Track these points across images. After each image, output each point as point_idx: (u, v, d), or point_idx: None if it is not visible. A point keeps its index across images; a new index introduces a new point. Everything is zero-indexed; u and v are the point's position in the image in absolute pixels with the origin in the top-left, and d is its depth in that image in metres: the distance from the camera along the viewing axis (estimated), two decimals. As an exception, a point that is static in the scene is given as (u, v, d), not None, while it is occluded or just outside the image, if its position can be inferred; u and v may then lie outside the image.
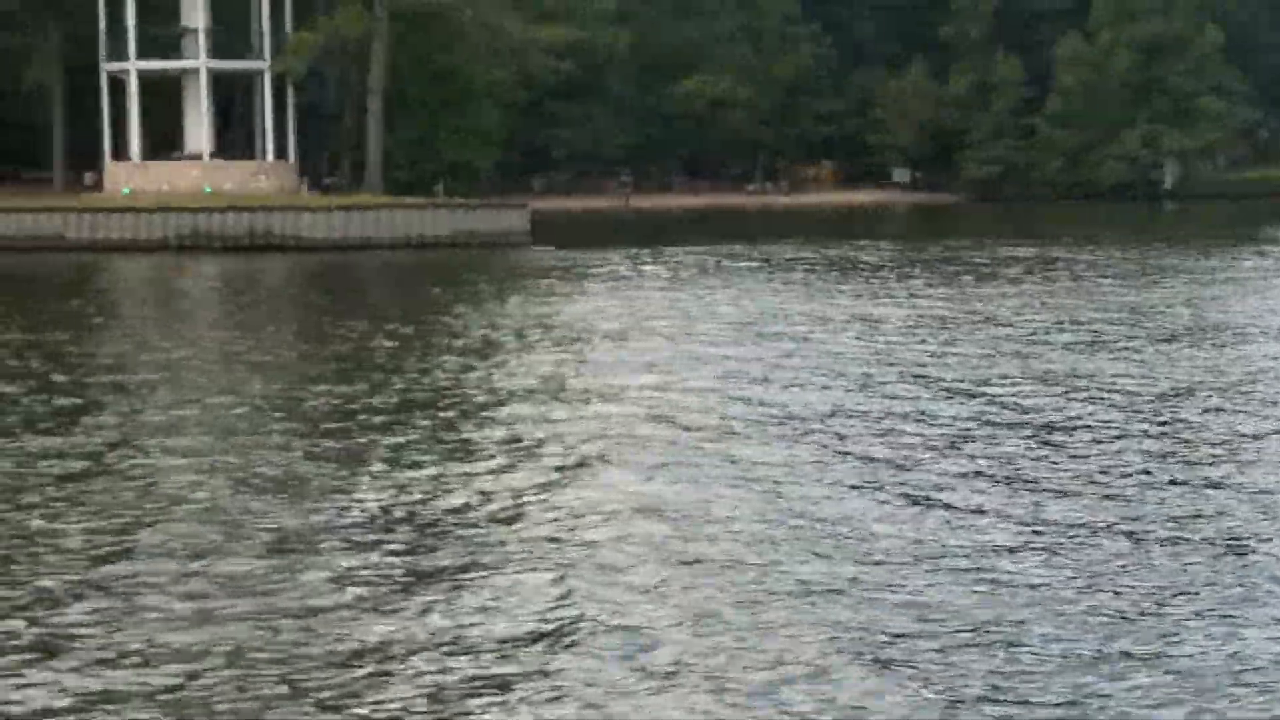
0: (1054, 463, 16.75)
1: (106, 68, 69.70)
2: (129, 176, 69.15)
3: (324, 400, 21.67)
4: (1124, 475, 16.03)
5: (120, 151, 70.14)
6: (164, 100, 70.87)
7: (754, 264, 50.77)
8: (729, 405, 20.59)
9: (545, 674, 10.02)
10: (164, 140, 70.92)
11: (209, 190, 67.02)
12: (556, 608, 11.39)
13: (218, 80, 69.75)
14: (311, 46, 66.32)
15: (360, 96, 70.24)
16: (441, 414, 20.39)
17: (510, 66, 73.20)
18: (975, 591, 11.80)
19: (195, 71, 68.69)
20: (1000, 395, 21.48)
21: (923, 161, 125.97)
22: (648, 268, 49.58)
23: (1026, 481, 15.78)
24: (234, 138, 72.08)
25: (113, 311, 39.61)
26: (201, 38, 67.99)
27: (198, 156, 68.95)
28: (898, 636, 10.73)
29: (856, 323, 31.36)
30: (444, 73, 70.65)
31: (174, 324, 35.26)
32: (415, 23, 69.22)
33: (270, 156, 70.12)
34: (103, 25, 69.28)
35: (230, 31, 69.52)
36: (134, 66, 68.61)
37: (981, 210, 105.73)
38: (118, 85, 70.02)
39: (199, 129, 69.04)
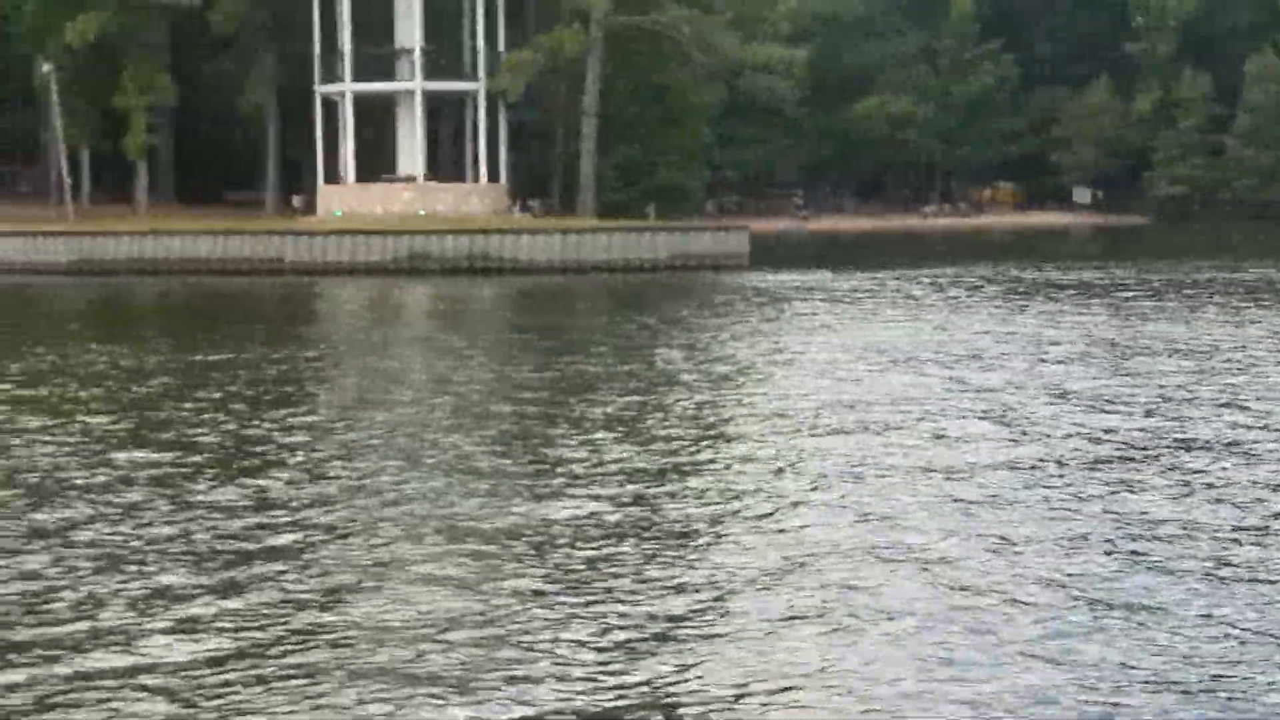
0: None
1: (320, 90, 69.77)
2: (341, 199, 69.14)
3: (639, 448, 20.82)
4: None
5: (332, 174, 70.17)
6: (374, 122, 70.96)
7: (973, 286, 49.57)
8: (1051, 440, 19.47)
9: None
10: (374, 162, 70.95)
11: (422, 213, 66.82)
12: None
13: (429, 101, 69.60)
14: (529, 66, 65.88)
15: (572, 117, 69.82)
16: (704, 440, 19.60)
17: (722, 86, 72.48)
18: None
19: (409, 93, 68.54)
20: None
21: (1105, 181, 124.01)
22: (872, 290, 48.57)
23: None
24: (444, 159, 71.87)
25: (352, 333, 39.09)
26: (417, 59, 67.80)
27: (411, 178, 68.77)
28: None
29: (1146, 352, 30.09)
30: (658, 93, 70.10)
31: (427, 347, 34.52)
32: (631, 42, 68.76)
33: (483, 178, 69.84)
34: (317, 48, 69.38)
35: (443, 52, 69.39)
36: (348, 88, 68.61)
37: (1172, 230, 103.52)
38: (330, 107, 70.09)
39: (412, 151, 68.89)
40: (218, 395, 24.78)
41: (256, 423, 21.81)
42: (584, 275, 60.11)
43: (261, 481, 17.26)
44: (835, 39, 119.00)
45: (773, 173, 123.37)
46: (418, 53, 67.85)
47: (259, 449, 19.65)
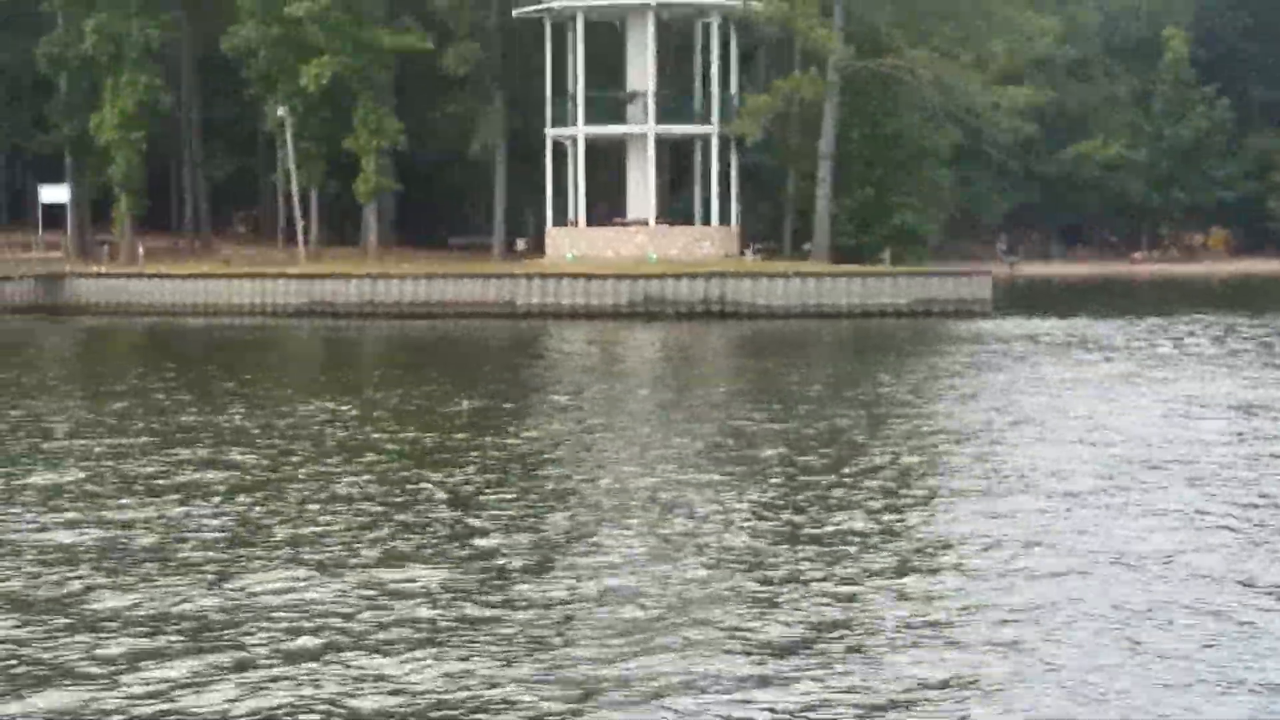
0: None
1: (551, 133, 69.15)
2: (572, 243, 68.41)
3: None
4: None
5: (560, 217, 69.50)
6: (603, 165, 70.30)
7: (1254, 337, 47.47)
8: None
9: None
10: (601, 205, 70.30)
11: (654, 257, 65.88)
12: None
13: (659, 144, 68.68)
14: (768, 110, 64.78)
15: (804, 160, 68.60)
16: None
17: (958, 128, 70.91)
18: None
19: (642, 136, 67.70)
20: None
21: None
22: (1144, 337, 46.72)
23: None
24: (673, 202, 70.90)
25: (589, 377, 38.00)
26: (650, 102, 66.96)
27: (643, 222, 67.86)
28: None
29: None
30: (893, 136, 68.71)
31: (674, 391, 33.27)
32: (866, 85, 67.50)
33: (714, 221, 68.78)
34: (549, 91, 68.82)
35: (673, 95, 68.54)
36: (580, 131, 67.92)
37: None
38: (558, 150, 69.47)
39: (644, 194, 67.99)
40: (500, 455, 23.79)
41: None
42: (822, 320, 58.79)
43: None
44: (1047, 82, 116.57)
45: (977, 216, 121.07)
46: (650, 96, 66.97)
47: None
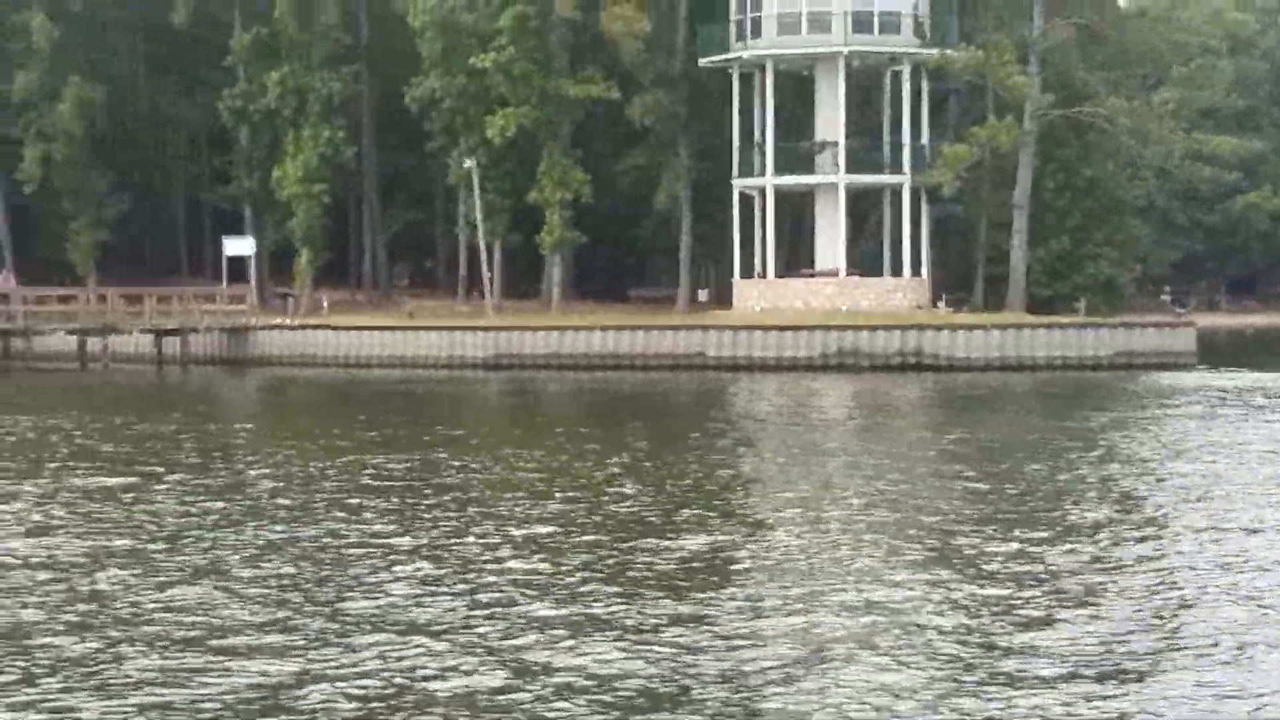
0: None
1: (738, 184, 68.37)
2: (760, 294, 67.52)
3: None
4: None
5: (746, 269, 68.65)
6: (787, 216, 69.50)
7: None
8: None
9: None
10: (787, 257, 69.47)
11: (845, 308, 64.82)
12: None
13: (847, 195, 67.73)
14: (964, 160, 63.61)
15: (996, 210, 67.36)
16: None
17: (1154, 177, 69.42)
18: None
19: (831, 186, 66.75)
20: None
21: None
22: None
23: None
24: (860, 253, 69.83)
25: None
26: (841, 152, 66.04)
27: (832, 273, 66.84)
28: None
29: None
30: (1089, 185, 67.31)
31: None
32: (1061, 133, 66.21)
33: (906, 272, 67.65)
34: (736, 141, 68.11)
35: (861, 145, 67.59)
36: (770, 182, 67.10)
37: None
38: (744, 201, 68.70)
39: (833, 245, 67.00)
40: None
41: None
42: (1020, 373, 57.46)
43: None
44: (1214, 131, 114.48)
45: (1141, 268, 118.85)
46: (841, 146, 66.03)
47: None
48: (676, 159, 70.40)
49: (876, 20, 66.39)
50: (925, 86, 67.87)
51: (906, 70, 67.28)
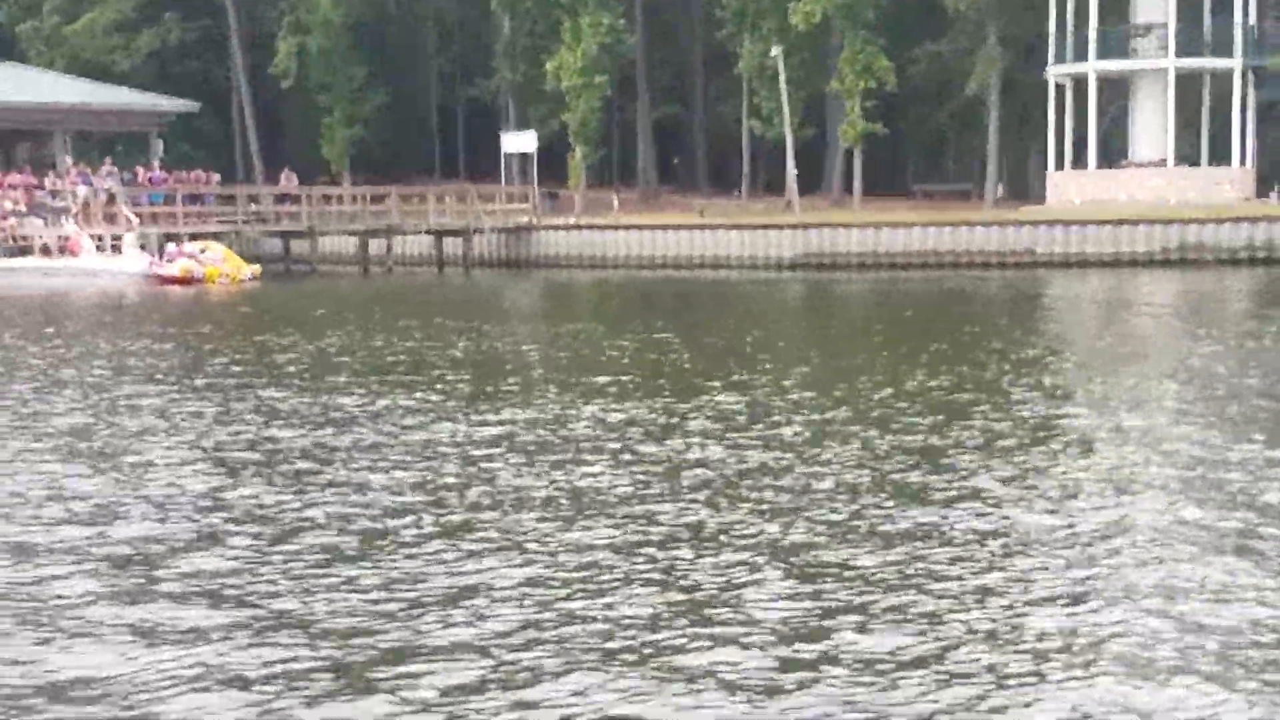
0: None
1: (1053, 71, 65.10)
2: (1078, 187, 64.37)
3: None
4: None
5: (1059, 160, 65.49)
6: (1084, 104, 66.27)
7: None
8: None
9: None
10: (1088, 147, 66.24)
11: (1172, 201, 61.59)
12: None
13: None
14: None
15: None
16: None
17: None
18: None
19: (1157, 72, 63.33)
20: None
21: None
22: None
23: None
24: (1180, 143, 66.45)
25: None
26: (1171, 34, 62.57)
27: (1160, 163, 63.52)
28: None
29: None
30: None
31: None
32: None
33: (1235, 162, 64.26)
34: (1052, 26, 64.78)
35: (1184, 27, 64.09)
36: (1092, 68, 63.76)
37: None
38: (1057, 90, 65.46)
39: (1159, 134, 63.65)
40: None
41: None
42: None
43: None
44: None
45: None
46: (1172, 28, 62.56)
47: None
48: (987, 48, 67.09)
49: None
50: (1257, -38, 64.40)
51: (1237, -56, 63.87)
